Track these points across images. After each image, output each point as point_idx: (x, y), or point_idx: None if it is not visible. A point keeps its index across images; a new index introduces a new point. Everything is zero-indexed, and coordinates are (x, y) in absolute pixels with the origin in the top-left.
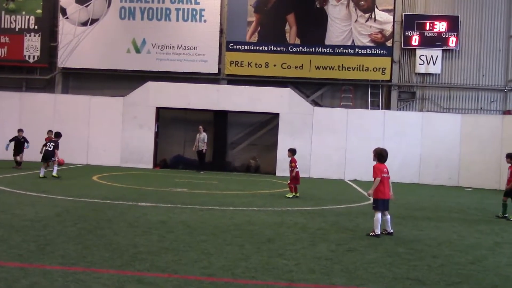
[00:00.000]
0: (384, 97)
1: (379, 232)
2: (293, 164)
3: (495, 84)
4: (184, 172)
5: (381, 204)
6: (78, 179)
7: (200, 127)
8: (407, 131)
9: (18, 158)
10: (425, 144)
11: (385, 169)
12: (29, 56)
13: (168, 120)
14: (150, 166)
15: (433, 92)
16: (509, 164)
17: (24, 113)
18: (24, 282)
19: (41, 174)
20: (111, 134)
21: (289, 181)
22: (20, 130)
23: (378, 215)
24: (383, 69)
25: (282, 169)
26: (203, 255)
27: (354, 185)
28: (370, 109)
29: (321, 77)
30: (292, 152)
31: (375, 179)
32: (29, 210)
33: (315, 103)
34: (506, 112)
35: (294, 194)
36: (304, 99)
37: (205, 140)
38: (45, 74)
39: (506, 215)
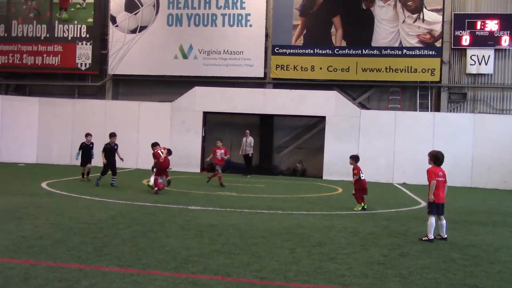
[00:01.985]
0: (433, 99)
1: (433, 237)
2: (355, 171)
3: None
4: (232, 176)
5: (435, 208)
6: (130, 183)
7: (247, 131)
8: (458, 133)
9: (85, 169)
10: (477, 147)
11: (440, 173)
12: (81, 64)
13: (215, 124)
14: (198, 170)
15: (485, 93)
16: None
17: (77, 119)
18: (83, 283)
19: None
20: (159, 139)
21: (353, 192)
22: (88, 135)
23: (432, 219)
24: (432, 70)
25: (329, 172)
26: (255, 258)
27: (403, 189)
28: (419, 111)
29: (368, 79)
30: (355, 159)
31: (430, 182)
32: (85, 213)
33: (362, 106)
34: None
35: (362, 205)
36: (350, 101)
37: (252, 144)
38: (96, 81)
39: None
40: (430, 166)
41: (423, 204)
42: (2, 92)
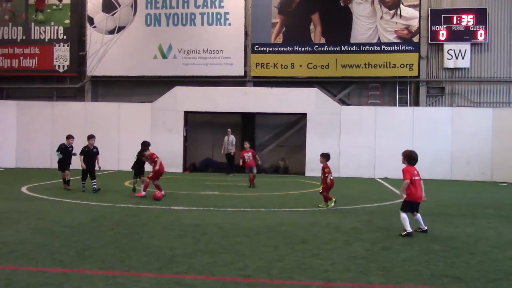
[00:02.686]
0: (412, 94)
1: (411, 230)
2: (326, 170)
3: None
4: (214, 175)
5: (409, 206)
6: (111, 185)
7: (229, 130)
8: (437, 127)
9: (65, 175)
10: (456, 140)
11: (415, 172)
12: (59, 66)
13: (196, 124)
14: (180, 170)
15: (462, 87)
16: None
17: (57, 122)
18: (66, 286)
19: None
20: (140, 140)
21: (321, 190)
22: (69, 137)
23: (404, 214)
24: (411, 65)
25: (311, 169)
26: (238, 256)
27: (385, 183)
28: (399, 106)
29: (347, 76)
30: (325, 157)
31: (404, 181)
32: (66, 216)
33: (343, 102)
34: None
35: (334, 200)
36: (331, 98)
37: (234, 143)
38: (75, 82)
39: None
40: (405, 165)
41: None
42: None
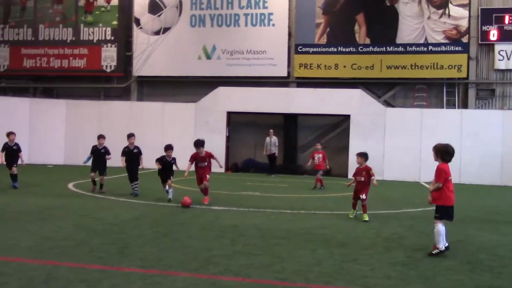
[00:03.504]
0: (461, 96)
1: (443, 248)
2: (371, 172)
3: None
4: (255, 175)
5: (445, 212)
6: (153, 183)
7: (271, 130)
8: (487, 131)
9: (94, 175)
10: (507, 144)
11: (449, 171)
12: (106, 66)
13: (239, 124)
14: (222, 170)
15: None
16: None
17: (103, 120)
18: (105, 283)
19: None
20: (184, 139)
21: (364, 197)
22: (100, 137)
23: (440, 226)
24: (459, 66)
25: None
26: (276, 259)
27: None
28: (446, 108)
29: (393, 77)
30: (364, 157)
31: (436, 182)
32: (108, 213)
33: (387, 104)
34: None
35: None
36: (375, 99)
37: (276, 144)
38: (121, 82)
39: None
40: (438, 163)
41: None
42: (31, 95)
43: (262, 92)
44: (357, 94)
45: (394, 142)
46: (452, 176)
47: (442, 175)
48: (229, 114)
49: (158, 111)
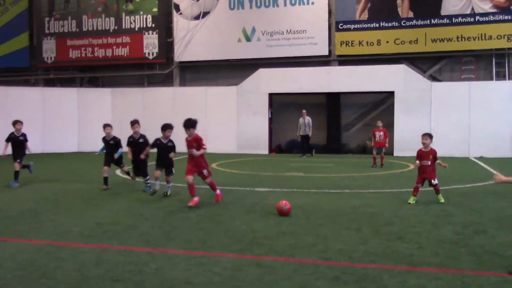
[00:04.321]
0: (511, 67)
1: None
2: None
3: None
4: (299, 156)
5: None
6: None
7: (303, 111)
8: None
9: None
10: None
11: None
12: (148, 53)
13: (282, 105)
14: (266, 151)
15: None
16: None
17: (147, 108)
18: (151, 265)
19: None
20: (227, 122)
21: (435, 182)
22: (134, 123)
23: None
24: (509, 36)
25: (400, 149)
26: (320, 239)
27: (480, 163)
28: (496, 80)
29: (438, 50)
30: (431, 137)
31: None
32: (154, 198)
33: (433, 78)
34: None
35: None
36: (420, 74)
37: (311, 124)
38: (163, 69)
39: None
40: None
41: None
42: (78, 85)
43: (304, 72)
44: (401, 70)
45: (442, 117)
46: (503, 149)
47: None
48: (271, 95)
49: (201, 96)
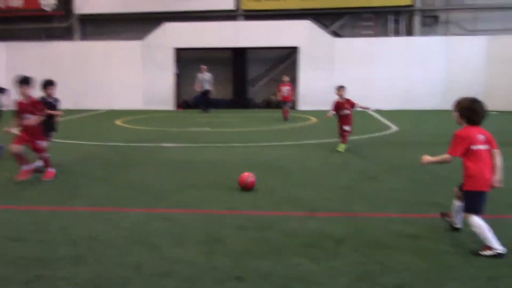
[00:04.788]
0: (406, 24)
1: (500, 247)
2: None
3: None
4: (198, 112)
5: (478, 201)
6: (102, 124)
7: (203, 67)
8: (432, 57)
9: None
10: (450, 69)
11: (480, 136)
12: (45, 5)
13: (188, 60)
14: (173, 107)
15: (457, 15)
16: None
17: (46, 64)
18: (55, 224)
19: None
20: (131, 78)
21: (349, 129)
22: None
23: (476, 220)
24: None
25: (304, 102)
26: (227, 191)
27: (377, 115)
28: (393, 36)
29: (340, 7)
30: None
31: (447, 155)
32: (56, 156)
33: (336, 34)
34: None
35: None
36: (324, 30)
37: (211, 81)
38: (62, 22)
39: None
40: (462, 127)
41: (395, 128)
42: None
43: (210, 26)
44: (306, 26)
45: (344, 72)
46: (401, 103)
47: (458, 142)
48: (178, 50)
49: (104, 50)
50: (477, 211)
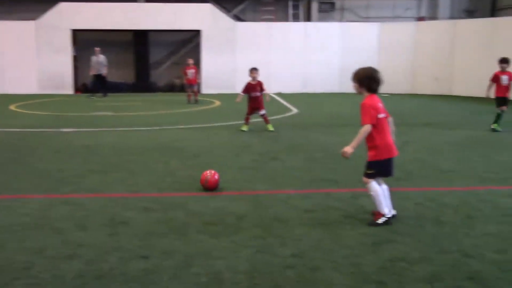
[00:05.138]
0: (305, 9)
1: (388, 211)
2: (265, 86)
3: None
4: (86, 96)
5: (379, 166)
6: None
7: (96, 49)
8: (328, 43)
9: None
10: (345, 55)
11: (380, 105)
12: None
13: (87, 42)
14: (71, 91)
15: (352, 2)
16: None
17: None
18: None
19: None
20: (25, 61)
21: (264, 112)
22: None
23: (374, 185)
24: None
25: (207, 86)
26: (130, 174)
27: (278, 98)
28: (292, 22)
29: None
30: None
31: (363, 127)
32: None
33: (238, 18)
34: (420, 19)
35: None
36: (225, 14)
37: (105, 63)
38: None
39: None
40: (365, 96)
41: (295, 111)
42: None
43: (110, 7)
44: (207, 9)
45: (245, 56)
46: (300, 86)
47: (367, 112)
48: (75, 32)
49: None
50: (376, 176)
